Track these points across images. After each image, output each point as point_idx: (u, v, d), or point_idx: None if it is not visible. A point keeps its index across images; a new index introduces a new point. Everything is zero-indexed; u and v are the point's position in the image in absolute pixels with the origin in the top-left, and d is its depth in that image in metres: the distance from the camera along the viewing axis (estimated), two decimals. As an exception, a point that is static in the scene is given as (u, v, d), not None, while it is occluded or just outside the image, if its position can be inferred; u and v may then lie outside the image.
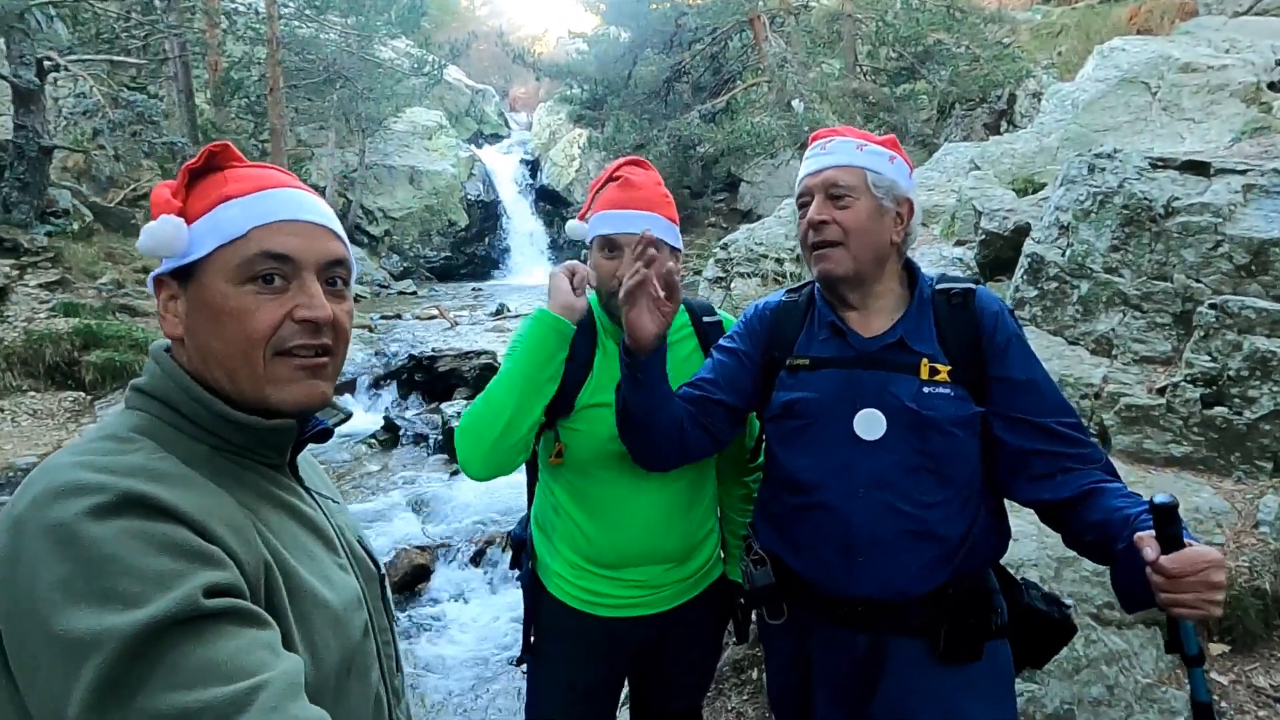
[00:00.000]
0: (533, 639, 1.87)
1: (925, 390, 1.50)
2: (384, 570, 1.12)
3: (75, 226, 11.46)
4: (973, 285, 1.59)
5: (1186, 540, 1.19)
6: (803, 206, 1.61)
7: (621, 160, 1.84)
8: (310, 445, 1.05)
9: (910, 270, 1.65)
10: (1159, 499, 1.20)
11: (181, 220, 0.91)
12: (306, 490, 1.03)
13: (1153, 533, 1.20)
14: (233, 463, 0.91)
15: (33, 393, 8.28)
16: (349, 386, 8.80)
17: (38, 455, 6.96)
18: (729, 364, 1.70)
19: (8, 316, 9.09)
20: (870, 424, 1.51)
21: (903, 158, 1.60)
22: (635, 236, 1.66)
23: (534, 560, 1.90)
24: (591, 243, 1.77)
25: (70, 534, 0.71)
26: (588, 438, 1.75)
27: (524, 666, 1.92)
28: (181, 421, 0.90)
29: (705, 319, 1.90)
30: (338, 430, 1.00)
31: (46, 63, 10.74)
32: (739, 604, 1.92)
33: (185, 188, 0.95)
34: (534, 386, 1.65)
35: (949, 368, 1.51)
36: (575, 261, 1.76)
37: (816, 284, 1.68)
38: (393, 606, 1.15)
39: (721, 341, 1.76)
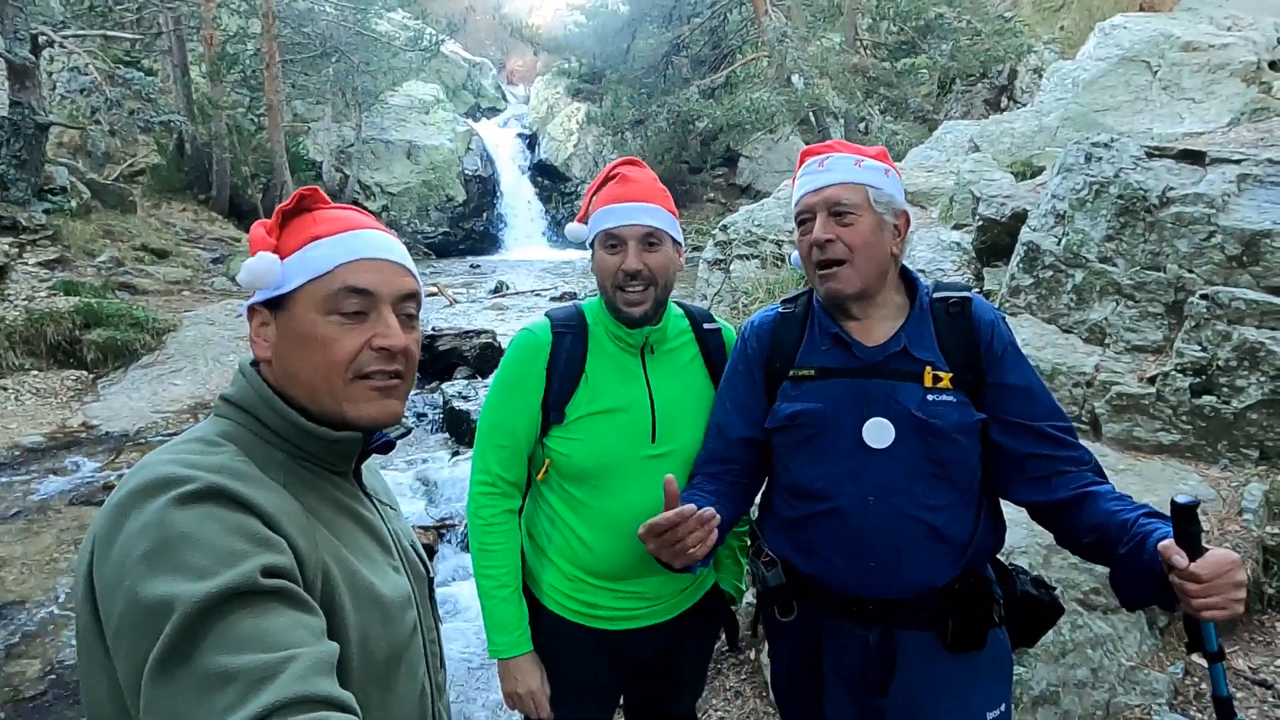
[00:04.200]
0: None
1: (930, 398, 1.55)
2: (433, 574, 1.21)
3: (73, 204, 11.43)
4: (969, 294, 1.64)
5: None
6: (803, 224, 1.62)
7: (618, 161, 1.86)
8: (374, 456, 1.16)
9: (907, 278, 1.68)
10: (1180, 499, 1.25)
11: (276, 257, 1.02)
12: (368, 497, 1.13)
13: (1171, 540, 1.25)
14: (305, 469, 1.02)
15: (35, 371, 8.31)
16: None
17: (42, 434, 7.02)
18: (744, 400, 1.72)
19: (8, 295, 9.10)
20: (879, 433, 1.55)
21: (894, 170, 1.64)
22: (636, 228, 1.69)
23: (523, 571, 1.84)
24: (594, 240, 1.77)
25: (158, 517, 0.83)
26: (587, 447, 1.73)
27: None
28: (262, 430, 1.01)
29: (705, 325, 1.89)
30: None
31: (41, 38, 10.65)
32: (732, 613, 1.95)
33: (279, 226, 1.06)
34: None
35: (950, 374, 1.56)
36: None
37: (814, 294, 1.70)
38: (438, 607, 1.24)
39: (727, 379, 1.77)
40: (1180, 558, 1.22)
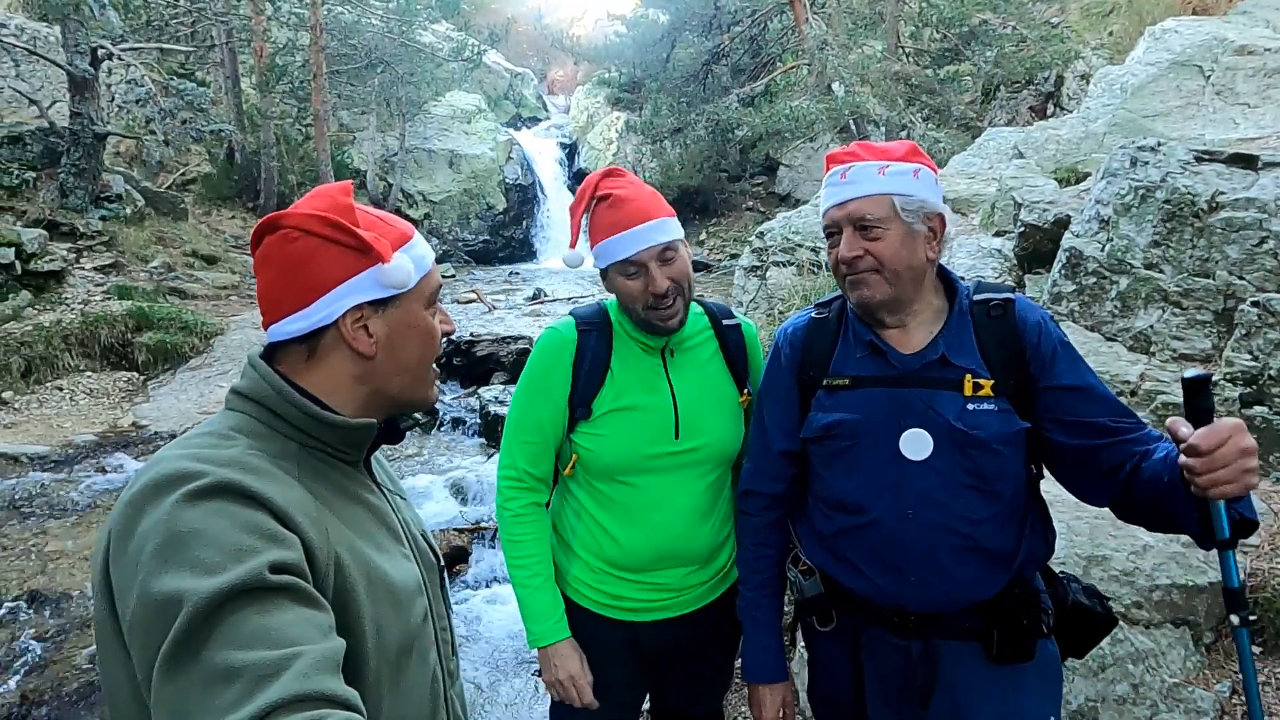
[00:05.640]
0: None
1: (970, 407, 1.49)
2: (443, 561, 1.23)
3: (127, 211, 11.81)
4: (1011, 295, 1.56)
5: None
6: (830, 236, 1.57)
7: (597, 176, 1.77)
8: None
9: (946, 279, 1.62)
10: (1190, 373, 1.20)
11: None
12: (378, 485, 1.15)
13: (1180, 418, 1.19)
14: (317, 459, 1.04)
15: (89, 372, 8.60)
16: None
17: (94, 433, 7.25)
18: (781, 411, 1.69)
19: (65, 299, 9.44)
20: (917, 444, 1.50)
21: (926, 164, 1.54)
22: (653, 249, 1.66)
23: None
24: (608, 269, 1.73)
25: (170, 513, 0.84)
26: (613, 443, 1.74)
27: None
28: (275, 421, 1.02)
29: (725, 322, 1.89)
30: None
31: (100, 51, 11.04)
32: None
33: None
34: None
35: (992, 381, 1.50)
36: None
37: (849, 299, 1.64)
38: (450, 595, 1.26)
39: (764, 389, 1.74)
40: (1185, 428, 1.16)
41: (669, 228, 1.70)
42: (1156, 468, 1.33)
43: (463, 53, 20.00)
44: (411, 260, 1.07)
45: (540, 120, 27.06)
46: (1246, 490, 1.18)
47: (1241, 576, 1.29)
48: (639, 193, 1.72)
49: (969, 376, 1.50)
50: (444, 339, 1.14)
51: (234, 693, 0.74)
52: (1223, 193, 3.60)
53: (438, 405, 7.93)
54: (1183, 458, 1.18)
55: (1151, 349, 3.62)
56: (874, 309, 1.55)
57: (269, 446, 0.99)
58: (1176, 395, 3.37)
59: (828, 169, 1.59)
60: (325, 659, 0.80)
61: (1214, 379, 1.20)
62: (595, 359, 1.76)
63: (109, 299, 9.55)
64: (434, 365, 1.13)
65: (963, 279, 1.66)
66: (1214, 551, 1.31)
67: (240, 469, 0.91)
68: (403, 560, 1.08)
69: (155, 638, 0.78)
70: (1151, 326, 3.64)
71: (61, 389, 8.18)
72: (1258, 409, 3.20)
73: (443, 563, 1.22)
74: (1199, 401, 1.18)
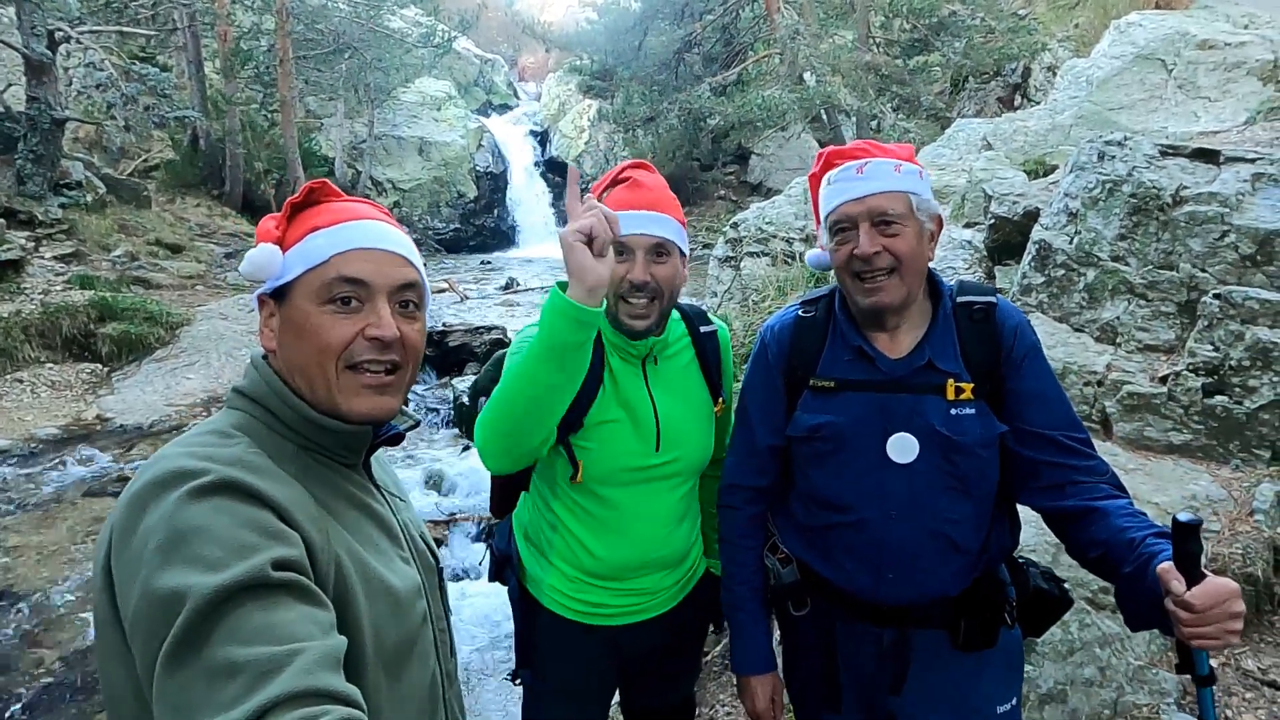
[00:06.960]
0: (529, 651, 1.85)
1: (953, 412, 1.53)
2: (442, 564, 1.22)
3: (88, 199, 11.53)
4: (994, 299, 1.60)
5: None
6: (840, 232, 1.56)
7: (626, 163, 1.78)
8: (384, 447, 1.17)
9: (931, 280, 1.64)
10: (1183, 517, 1.22)
11: (277, 248, 1.04)
12: (377, 488, 1.14)
13: (1171, 564, 1.22)
14: (315, 460, 1.04)
15: (50, 364, 8.39)
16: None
17: (57, 426, 7.09)
18: (767, 408, 1.70)
19: (25, 289, 9.19)
20: (902, 448, 1.54)
21: (923, 170, 1.59)
22: (645, 238, 1.63)
23: (522, 574, 1.86)
24: None
25: (173, 509, 0.84)
26: (600, 454, 1.71)
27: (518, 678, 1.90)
28: (273, 421, 1.02)
29: (702, 329, 1.87)
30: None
31: (57, 34, 10.74)
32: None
33: (287, 220, 1.07)
34: (549, 391, 1.46)
35: (972, 385, 1.54)
36: (591, 216, 1.38)
37: (836, 299, 1.66)
38: (448, 597, 1.25)
39: (748, 386, 1.74)
40: (1178, 583, 1.20)
41: (672, 228, 1.67)
42: (1121, 549, 1.37)
43: (432, 39, 19.78)
44: (302, 250, 1.03)
45: (511, 108, 26.87)
46: (1226, 646, 1.21)
47: (1216, 713, 1.33)
48: (656, 186, 1.71)
49: (951, 381, 1.54)
50: (367, 342, 1.02)
51: (236, 688, 0.74)
52: (1186, 187, 3.68)
53: (410, 395, 7.87)
54: (1171, 604, 1.21)
55: (1118, 340, 3.70)
56: (884, 311, 1.56)
57: (269, 446, 0.99)
58: (1142, 385, 3.46)
59: (832, 164, 1.60)
60: (327, 655, 0.80)
61: (1202, 525, 1.24)
62: (591, 369, 1.67)
63: (70, 289, 9.31)
64: (354, 371, 1.02)
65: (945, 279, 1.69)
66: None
67: (242, 467, 0.91)
68: (401, 564, 1.08)
69: (158, 634, 0.78)
70: (1118, 318, 3.72)
71: (22, 381, 7.98)
72: (1218, 398, 3.29)
73: (441, 564, 1.22)
74: (1189, 546, 1.21)
